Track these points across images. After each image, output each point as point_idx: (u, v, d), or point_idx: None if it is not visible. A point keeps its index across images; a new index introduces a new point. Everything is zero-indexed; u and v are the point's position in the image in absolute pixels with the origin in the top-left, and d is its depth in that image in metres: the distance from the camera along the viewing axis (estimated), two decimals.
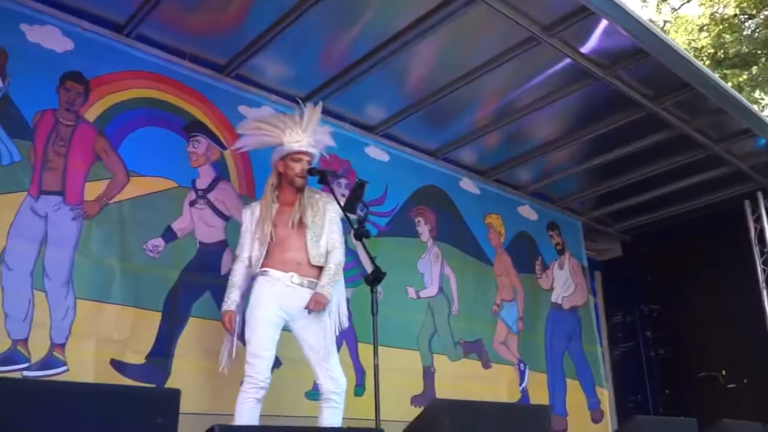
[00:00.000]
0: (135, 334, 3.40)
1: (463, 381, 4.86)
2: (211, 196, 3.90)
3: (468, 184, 5.52)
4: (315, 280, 3.25)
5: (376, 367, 2.88)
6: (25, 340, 3.07)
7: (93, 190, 3.47)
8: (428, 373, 4.65)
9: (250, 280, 3.30)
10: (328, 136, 3.63)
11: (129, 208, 3.55)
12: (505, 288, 5.47)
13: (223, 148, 4.07)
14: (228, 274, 3.69)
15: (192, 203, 3.81)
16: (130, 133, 3.69)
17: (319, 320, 3.21)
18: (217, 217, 3.88)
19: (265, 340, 3.07)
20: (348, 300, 4.09)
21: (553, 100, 4.58)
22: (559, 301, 5.95)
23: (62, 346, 3.17)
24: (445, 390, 4.68)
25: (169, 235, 3.66)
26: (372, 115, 4.83)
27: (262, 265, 3.22)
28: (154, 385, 3.32)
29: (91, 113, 3.58)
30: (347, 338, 4.24)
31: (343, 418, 3.26)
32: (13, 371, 3.00)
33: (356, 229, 3.07)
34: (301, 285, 3.20)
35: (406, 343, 4.59)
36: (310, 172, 3.33)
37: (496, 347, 5.21)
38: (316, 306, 3.13)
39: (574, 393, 5.81)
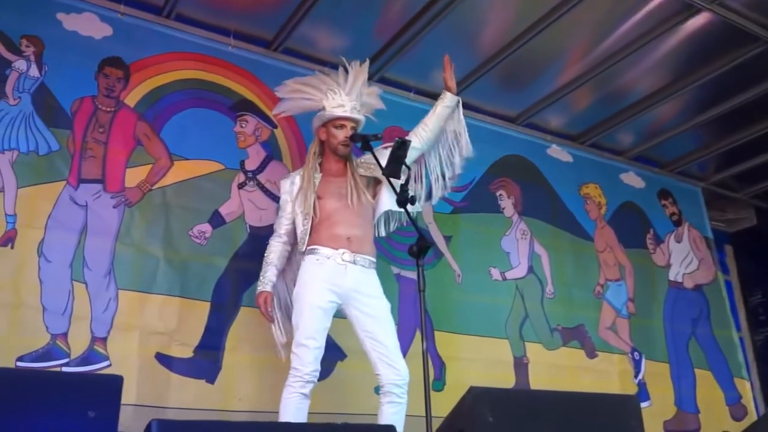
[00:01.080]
0: (182, 325, 3.19)
1: (565, 372, 4.29)
2: (261, 177, 3.65)
3: (558, 152, 4.93)
4: (370, 258, 2.89)
5: (424, 353, 2.45)
6: (65, 335, 2.94)
7: (134, 176, 3.31)
8: (520, 365, 4.14)
9: (292, 259, 3.01)
10: (377, 98, 3.28)
11: (173, 194, 3.37)
12: (609, 266, 4.82)
13: (274, 126, 3.81)
14: None
15: (241, 185, 3.57)
16: (173, 116, 3.51)
17: (378, 301, 2.85)
18: (269, 198, 3.61)
19: (311, 327, 2.74)
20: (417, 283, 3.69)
21: (651, 39, 3.92)
22: (679, 279, 5.19)
23: (104, 339, 3.01)
24: (541, 383, 4.14)
25: (216, 220, 3.44)
26: (439, 81, 4.39)
27: (309, 243, 2.89)
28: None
29: (132, 98, 3.44)
30: (419, 325, 3.82)
31: (416, 416, 2.86)
32: (53, 367, 2.87)
33: (398, 194, 2.65)
34: (354, 263, 2.84)
35: (492, 330, 4.10)
36: (353, 138, 2.97)
37: (603, 333, 4.59)
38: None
39: (707, 386, 5.02)
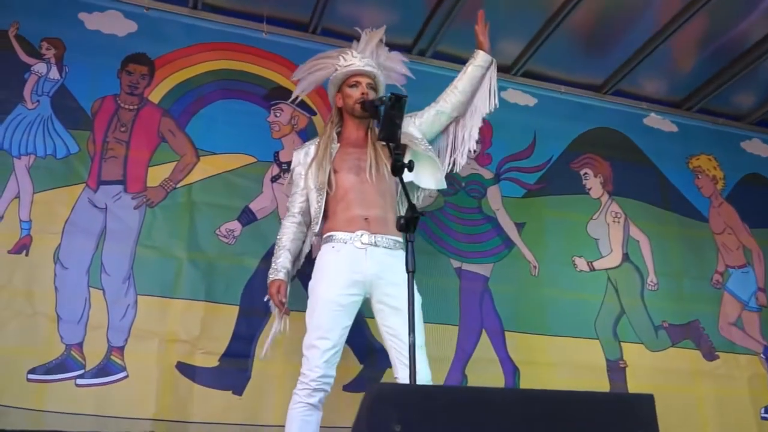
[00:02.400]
0: (206, 332, 2.91)
1: (675, 377, 3.57)
2: None
3: (658, 121, 4.21)
4: (394, 238, 2.48)
5: (411, 347, 1.97)
6: (80, 345, 2.76)
7: (157, 175, 3.10)
8: (615, 369, 3.48)
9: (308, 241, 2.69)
10: (399, 64, 2.91)
11: (198, 191, 3.13)
12: (730, 250, 4.02)
13: (312, 113, 3.49)
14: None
15: (274, 178, 3.27)
16: (200, 110, 3.29)
17: (403, 290, 2.41)
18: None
19: (324, 325, 2.36)
20: (486, 278, 3.22)
21: None
22: None
23: (121, 349, 2.80)
24: (645, 390, 3.45)
25: (246, 216, 3.16)
26: (504, 51, 3.88)
27: (325, 229, 2.53)
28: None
29: (156, 94, 3.26)
30: (488, 327, 3.32)
31: None
32: (67, 379, 2.70)
33: (392, 161, 2.19)
34: (375, 244, 2.44)
35: (578, 329, 3.49)
36: (363, 106, 2.57)
37: (724, 330, 3.80)
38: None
39: None
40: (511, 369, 3.28)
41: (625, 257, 3.76)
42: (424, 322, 3.11)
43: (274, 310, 2.62)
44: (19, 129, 2.97)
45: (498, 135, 3.77)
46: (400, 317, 2.39)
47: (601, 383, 3.41)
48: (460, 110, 2.75)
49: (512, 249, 3.54)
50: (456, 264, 3.41)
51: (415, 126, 2.70)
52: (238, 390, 2.87)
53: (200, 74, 3.36)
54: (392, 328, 2.41)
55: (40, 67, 3.11)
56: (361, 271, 2.40)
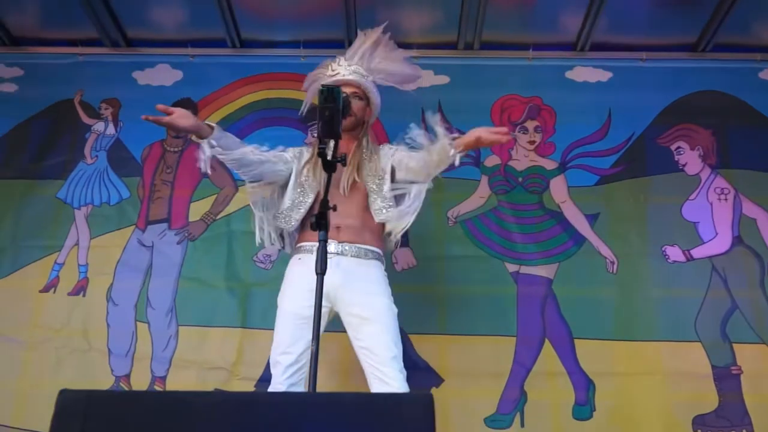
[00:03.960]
0: (243, 358, 2.92)
1: None
2: None
3: None
4: (367, 247, 2.30)
5: (313, 354, 1.75)
6: (128, 376, 2.92)
7: (198, 209, 3.23)
8: (726, 377, 2.84)
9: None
10: (400, 63, 2.66)
11: (237, 220, 3.19)
12: None
13: None
14: None
15: None
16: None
17: (373, 298, 2.22)
18: None
19: (286, 340, 2.23)
20: (549, 280, 2.88)
21: None
22: None
23: (163, 378, 2.91)
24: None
25: (283, 241, 3.13)
26: (564, 26, 3.49)
27: (296, 241, 2.41)
28: None
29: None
30: (553, 336, 2.92)
31: None
32: None
33: (318, 150, 1.98)
34: (341, 253, 2.27)
35: (671, 332, 2.92)
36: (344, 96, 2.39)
37: None
38: None
39: None
40: (584, 382, 2.83)
41: (737, 240, 3.09)
42: (474, 334, 2.88)
43: None
44: (80, 183, 3.28)
45: (563, 120, 3.37)
46: (370, 327, 2.19)
47: (705, 394, 2.81)
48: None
49: (582, 245, 3.10)
50: (513, 268, 3.06)
51: (389, 161, 2.45)
52: None
53: (239, 108, 3.46)
54: (362, 340, 2.20)
55: (98, 126, 3.43)
56: (326, 282, 2.23)
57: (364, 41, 2.61)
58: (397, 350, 2.18)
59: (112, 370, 2.92)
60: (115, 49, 3.61)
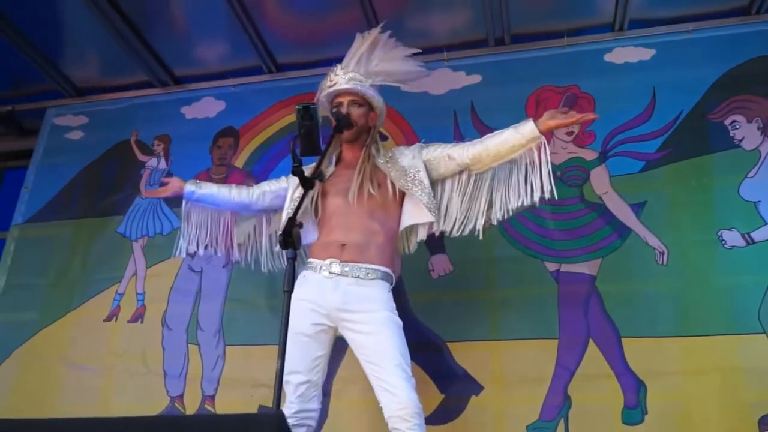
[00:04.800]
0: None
1: None
2: None
3: None
4: (370, 266, 2.26)
5: (277, 372, 1.74)
6: (181, 396, 3.06)
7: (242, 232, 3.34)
8: None
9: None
10: (402, 61, 2.62)
11: (277, 239, 3.26)
12: None
13: (383, 139, 3.37)
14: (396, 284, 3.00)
15: None
16: (277, 165, 3.48)
17: (373, 315, 2.20)
18: None
19: (293, 359, 2.22)
20: (592, 277, 2.76)
21: None
22: None
23: (212, 397, 3.03)
24: None
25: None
26: (602, 7, 3.30)
27: (310, 254, 2.42)
28: None
29: (241, 159, 3.56)
30: (597, 336, 2.75)
31: None
32: None
33: (294, 165, 2.00)
34: (343, 274, 2.25)
35: (731, 324, 2.64)
36: (336, 115, 2.42)
37: None
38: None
39: None
40: (634, 384, 2.63)
41: None
42: (514, 338, 2.79)
43: None
44: (137, 217, 3.51)
45: (603, 106, 3.18)
46: (372, 339, 2.17)
47: None
48: (477, 164, 2.41)
49: (627, 237, 2.90)
50: (552, 267, 2.91)
51: (420, 157, 2.43)
52: (317, 428, 2.84)
53: (278, 131, 3.57)
54: (367, 354, 2.17)
55: (152, 162, 3.65)
56: (323, 304, 2.23)
57: (360, 45, 2.58)
58: (402, 359, 2.13)
59: (167, 392, 3.08)
60: (165, 88, 3.85)
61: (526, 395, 2.71)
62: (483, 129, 3.27)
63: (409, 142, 3.33)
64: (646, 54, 3.25)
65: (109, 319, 3.30)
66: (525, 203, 2.34)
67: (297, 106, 2.03)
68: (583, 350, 2.72)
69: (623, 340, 2.71)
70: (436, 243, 3.04)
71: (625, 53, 3.28)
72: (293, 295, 2.27)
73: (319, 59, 3.67)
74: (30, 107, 4.04)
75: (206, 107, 3.73)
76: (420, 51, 2.67)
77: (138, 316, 3.28)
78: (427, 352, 2.88)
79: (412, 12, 3.42)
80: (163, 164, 3.64)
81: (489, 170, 2.42)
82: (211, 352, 3.10)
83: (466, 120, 3.33)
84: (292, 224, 1.83)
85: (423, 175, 2.40)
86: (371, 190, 2.36)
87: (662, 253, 2.83)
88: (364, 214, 2.34)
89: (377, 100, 2.51)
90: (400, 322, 2.22)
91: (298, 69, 3.70)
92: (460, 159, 2.41)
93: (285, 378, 2.17)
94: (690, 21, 3.25)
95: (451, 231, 2.45)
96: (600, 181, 3.03)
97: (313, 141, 2.06)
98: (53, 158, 3.86)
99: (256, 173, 3.47)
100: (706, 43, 3.19)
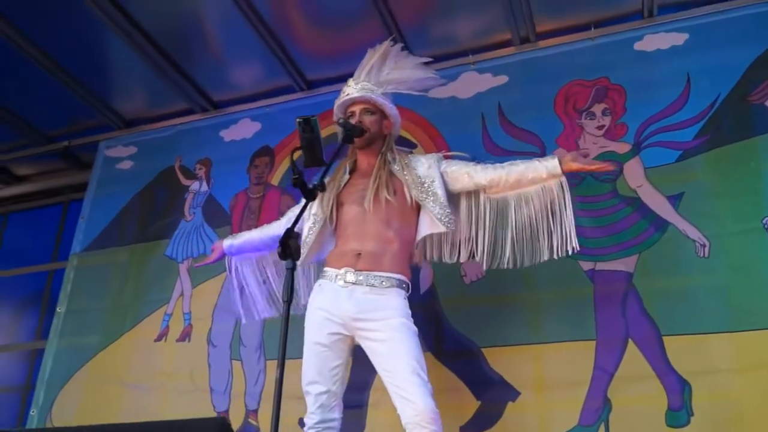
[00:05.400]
0: None
1: None
2: None
3: None
4: (385, 274, 2.26)
5: (277, 381, 1.75)
6: (227, 411, 3.14)
7: None
8: None
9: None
10: (413, 69, 2.65)
11: None
12: None
13: (412, 146, 3.40)
14: (427, 291, 3.01)
15: None
16: (310, 179, 3.51)
17: (387, 322, 2.19)
18: None
19: (312, 369, 2.25)
20: (629, 274, 2.69)
21: None
22: None
23: (255, 411, 3.09)
24: None
25: None
26: None
27: (326, 264, 2.44)
28: None
29: (276, 177, 3.64)
30: (637, 335, 2.64)
31: None
32: None
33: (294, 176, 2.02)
34: (357, 283, 2.25)
35: None
36: (341, 123, 2.44)
37: None
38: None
39: None
40: (678, 384, 2.50)
41: None
42: (550, 341, 2.73)
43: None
44: (182, 239, 3.64)
45: (634, 97, 3.08)
46: (387, 346, 2.16)
47: None
48: (493, 188, 2.41)
49: (666, 230, 2.77)
50: (587, 266, 2.82)
51: (437, 167, 2.44)
52: None
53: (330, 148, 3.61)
54: (382, 362, 2.17)
55: (195, 186, 3.79)
56: (338, 313, 2.24)
57: (371, 57, 2.62)
58: (417, 365, 2.12)
59: (214, 407, 3.17)
60: (204, 113, 3.99)
61: (564, 400, 2.63)
62: (511, 130, 3.23)
63: (438, 149, 3.34)
64: (679, 39, 3.12)
65: (159, 339, 3.44)
66: (545, 258, 2.34)
67: (297, 119, 2.07)
68: (622, 351, 2.62)
69: (665, 338, 2.58)
70: None
71: (657, 40, 3.15)
72: (309, 305, 2.33)
73: (346, 73, 3.61)
74: (84, 141, 4.28)
75: (243, 129, 3.84)
76: (431, 59, 2.68)
77: (185, 335, 3.39)
78: (462, 359, 2.85)
79: (435, 19, 3.42)
80: (204, 187, 3.76)
81: (508, 202, 2.40)
82: (254, 367, 3.17)
83: (494, 122, 3.28)
84: (289, 236, 1.86)
85: (438, 186, 2.39)
86: (387, 197, 2.36)
87: (703, 246, 2.69)
88: (380, 222, 2.34)
89: (389, 107, 2.52)
90: (415, 329, 2.20)
91: (328, 84, 3.75)
92: (477, 179, 2.41)
93: (305, 388, 2.22)
94: (723, 0, 3.09)
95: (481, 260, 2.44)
96: (634, 174, 2.91)
97: (316, 152, 2.09)
98: (106, 188, 4.06)
99: (290, 189, 3.53)
100: (742, 22, 3.03)
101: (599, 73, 3.18)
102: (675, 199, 2.81)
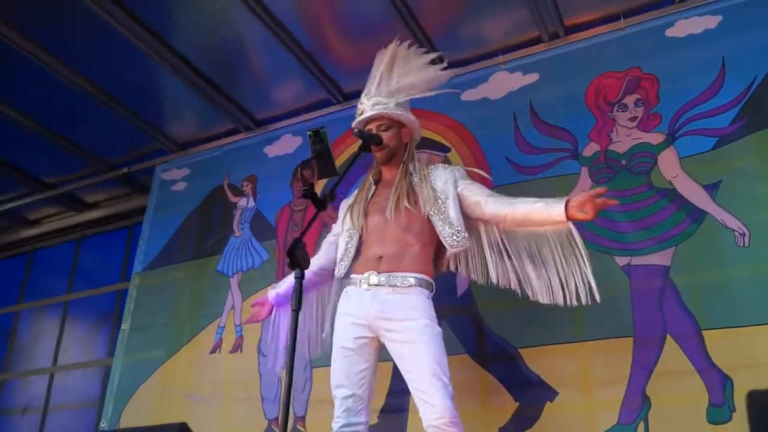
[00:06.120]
0: None
1: None
2: None
3: None
4: (406, 274, 2.32)
5: (287, 387, 1.80)
6: (277, 419, 3.25)
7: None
8: None
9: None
10: (422, 70, 2.63)
11: None
12: None
13: (446, 150, 3.43)
14: (464, 293, 3.03)
15: None
16: (348, 190, 3.60)
17: (409, 323, 2.23)
18: None
19: (338, 374, 2.32)
20: (665, 268, 2.66)
21: None
22: None
23: (303, 418, 3.18)
24: None
25: None
26: None
27: (352, 272, 2.49)
28: None
29: (318, 189, 3.72)
30: (675, 330, 2.57)
31: None
32: None
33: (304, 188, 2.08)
34: (380, 284, 2.31)
35: None
36: (357, 134, 2.50)
37: None
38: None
39: None
40: (719, 380, 2.41)
41: None
42: (586, 339, 2.71)
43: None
44: (232, 255, 3.80)
45: (667, 85, 3.00)
46: (409, 348, 2.20)
47: None
48: (501, 223, 2.43)
49: (703, 220, 2.69)
50: (623, 261, 2.77)
51: (453, 184, 2.47)
52: None
53: (347, 159, 3.70)
54: (403, 365, 2.21)
55: (242, 202, 3.94)
56: (362, 315, 2.30)
57: (379, 65, 2.63)
58: (439, 368, 2.15)
59: (265, 415, 3.29)
60: (249, 132, 4.15)
61: (602, 398, 2.59)
62: (543, 127, 3.21)
63: (472, 151, 3.36)
64: (712, 22, 3.02)
65: (213, 351, 3.59)
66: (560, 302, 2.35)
67: (308, 132, 2.15)
68: (660, 347, 2.56)
69: (704, 332, 2.51)
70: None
71: (689, 25, 3.06)
72: (338, 312, 2.40)
73: None
74: (142, 167, 4.52)
75: (285, 144, 3.97)
76: (439, 55, 2.69)
77: (237, 347, 3.53)
78: (500, 360, 2.85)
79: (462, 22, 3.44)
80: (251, 203, 3.91)
81: (519, 238, 2.41)
82: (300, 375, 3.27)
83: (526, 121, 3.27)
84: (296, 245, 1.93)
85: (450, 204, 2.41)
86: (407, 206, 2.41)
87: (743, 235, 2.59)
88: (400, 228, 2.40)
89: (405, 117, 2.56)
90: (439, 330, 2.24)
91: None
92: (484, 210, 2.42)
93: (333, 393, 2.29)
94: None
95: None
96: (669, 164, 2.84)
97: (327, 163, 2.17)
98: (163, 210, 4.28)
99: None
100: None
101: (630, 63, 3.12)
102: (712, 188, 2.72)
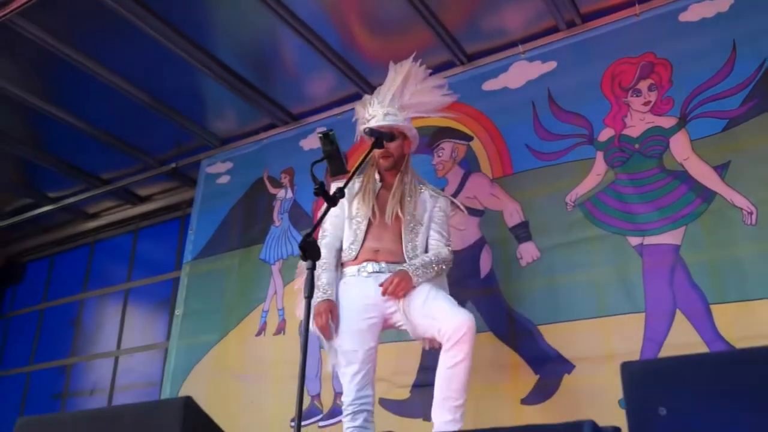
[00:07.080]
0: (398, 369, 3.29)
1: None
2: (460, 196, 3.47)
3: None
4: (402, 264, 2.60)
5: (301, 367, 2.04)
6: (318, 395, 3.52)
7: None
8: None
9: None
10: (432, 92, 2.89)
11: None
12: None
13: (469, 139, 3.60)
14: (488, 275, 3.23)
15: None
16: None
17: (421, 290, 2.53)
18: (469, 216, 3.39)
19: (348, 352, 2.55)
20: (676, 246, 2.81)
21: None
22: None
23: (318, 395, 3.46)
24: None
25: None
26: None
27: (343, 266, 2.73)
28: None
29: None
30: (685, 306, 2.72)
31: None
32: (312, 423, 3.47)
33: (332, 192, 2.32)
34: (380, 271, 2.62)
35: None
36: (367, 132, 2.69)
37: None
38: (394, 289, 2.47)
39: None
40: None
41: None
42: (602, 315, 2.87)
43: (323, 342, 2.68)
44: (273, 243, 4.07)
45: (680, 70, 3.10)
46: (417, 301, 2.49)
47: None
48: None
49: (713, 200, 2.80)
50: (635, 241, 2.91)
51: (431, 214, 2.79)
52: (428, 416, 3.11)
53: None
54: (417, 317, 2.50)
55: (281, 194, 4.20)
56: (370, 295, 2.54)
57: (394, 78, 2.85)
58: (448, 299, 2.50)
59: (308, 392, 3.55)
60: (285, 126, 4.39)
61: (616, 371, 2.71)
62: (560, 114, 3.35)
63: (493, 139, 3.52)
64: (724, 5, 3.08)
65: (258, 333, 3.88)
66: None
67: (318, 134, 2.37)
68: (670, 321, 2.70)
69: (712, 306, 2.64)
70: (522, 232, 3.19)
71: (701, 9, 3.13)
72: (341, 299, 2.63)
73: None
74: (188, 162, 4.82)
75: (315, 140, 4.18)
76: (444, 82, 2.97)
77: (280, 329, 3.81)
78: (520, 337, 3.04)
79: (481, 15, 3.57)
80: (289, 194, 4.16)
81: None
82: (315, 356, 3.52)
83: (545, 108, 3.40)
84: (306, 239, 2.13)
85: (421, 232, 2.71)
86: (399, 214, 2.67)
87: (750, 213, 2.70)
88: (396, 231, 2.69)
89: (409, 130, 2.81)
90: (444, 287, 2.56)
91: None
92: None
93: (342, 370, 2.53)
94: None
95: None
96: (681, 147, 2.95)
97: (337, 162, 2.39)
98: (210, 202, 4.58)
99: None
100: None
101: (644, 48, 3.22)
102: (721, 169, 2.82)
